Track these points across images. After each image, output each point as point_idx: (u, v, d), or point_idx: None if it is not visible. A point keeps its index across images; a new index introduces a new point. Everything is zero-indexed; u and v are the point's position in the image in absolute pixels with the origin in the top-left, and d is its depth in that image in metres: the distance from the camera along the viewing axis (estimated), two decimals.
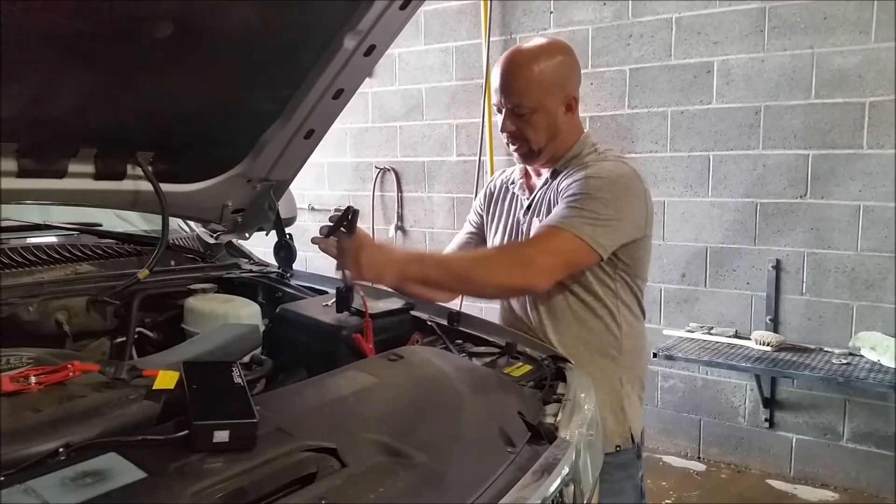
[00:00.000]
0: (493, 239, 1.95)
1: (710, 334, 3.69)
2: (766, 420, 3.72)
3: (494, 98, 1.78)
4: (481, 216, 2.04)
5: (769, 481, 3.69)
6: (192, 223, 2.33)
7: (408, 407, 1.15)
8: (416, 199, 4.81)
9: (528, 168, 1.90)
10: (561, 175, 1.77)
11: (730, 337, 3.64)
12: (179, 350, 1.35)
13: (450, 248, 2.09)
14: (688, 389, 3.93)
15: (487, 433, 1.19)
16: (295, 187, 5.67)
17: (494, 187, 2.00)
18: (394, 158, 4.87)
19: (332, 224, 1.64)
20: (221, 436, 0.89)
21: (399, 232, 4.87)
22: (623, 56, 3.88)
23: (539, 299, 1.76)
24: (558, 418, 1.38)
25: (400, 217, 4.87)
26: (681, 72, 3.74)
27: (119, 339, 1.78)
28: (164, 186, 1.88)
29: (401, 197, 4.86)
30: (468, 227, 2.08)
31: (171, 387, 1.02)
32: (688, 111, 3.75)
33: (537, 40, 1.81)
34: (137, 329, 1.79)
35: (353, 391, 1.15)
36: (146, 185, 1.84)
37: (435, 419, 1.14)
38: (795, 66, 3.45)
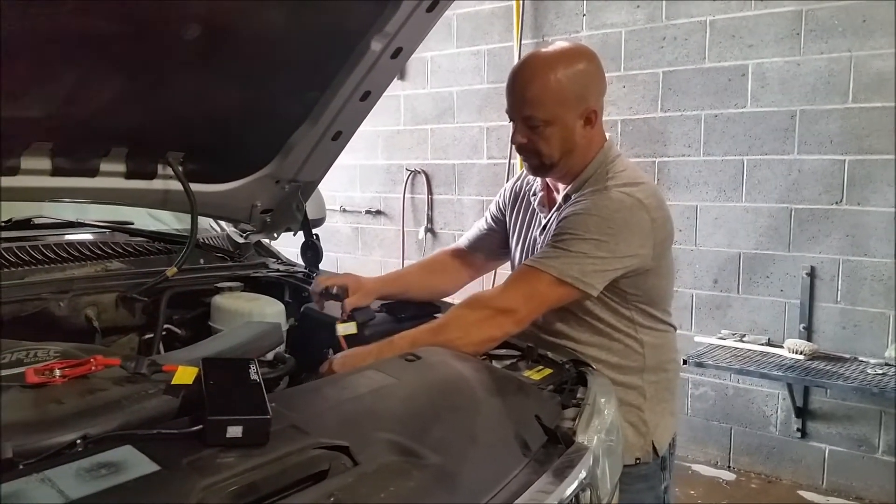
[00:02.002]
0: (514, 251, 1.90)
1: (743, 342, 3.64)
2: (798, 430, 3.65)
3: (507, 105, 1.69)
4: (503, 214, 1.98)
5: (801, 492, 3.61)
6: (222, 223, 2.37)
7: (423, 407, 1.15)
8: (446, 201, 4.82)
9: (549, 181, 1.82)
10: (571, 200, 1.68)
11: (762, 345, 3.58)
12: (201, 346, 1.37)
13: (464, 239, 2.06)
14: (718, 397, 3.88)
15: (503, 436, 1.19)
16: (326, 189, 5.72)
17: (520, 189, 1.94)
18: (424, 161, 4.89)
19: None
20: (235, 431, 0.90)
21: (429, 234, 4.88)
22: (656, 59, 3.84)
23: (553, 323, 1.71)
24: (576, 423, 1.37)
25: (430, 219, 4.88)
26: (715, 75, 3.70)
27: (147, 336, 1.82)
28: (194, 186, 1.91)
29: (431, 199, 4.87)
30: (486, 222, 2.02)
31: (190, 382, 1.03)
32: (722, 115, 3.70)
33: (558, 44, 1.71)
34: (165, 326, 1.82)
35: (370, 390, 1.16)
36: (176, 185, 1.87)
37: (450, 420, 1.15)
38: (832, 69, 3.38)
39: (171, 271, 1.78)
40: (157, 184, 1.88)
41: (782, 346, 3.50)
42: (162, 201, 1.92)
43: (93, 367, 1.07)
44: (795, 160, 3.53)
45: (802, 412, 3.63)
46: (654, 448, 1.74)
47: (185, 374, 1.05)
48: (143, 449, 0.88)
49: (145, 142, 1.80)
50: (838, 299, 3.50)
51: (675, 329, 1.83)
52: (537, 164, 1.70)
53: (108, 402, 1.01)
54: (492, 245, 2.03)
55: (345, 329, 1.63)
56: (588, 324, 1.68)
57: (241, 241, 2.24)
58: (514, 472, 1.12)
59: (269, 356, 1.65)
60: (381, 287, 1.83)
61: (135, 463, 0.85)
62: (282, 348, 1.68)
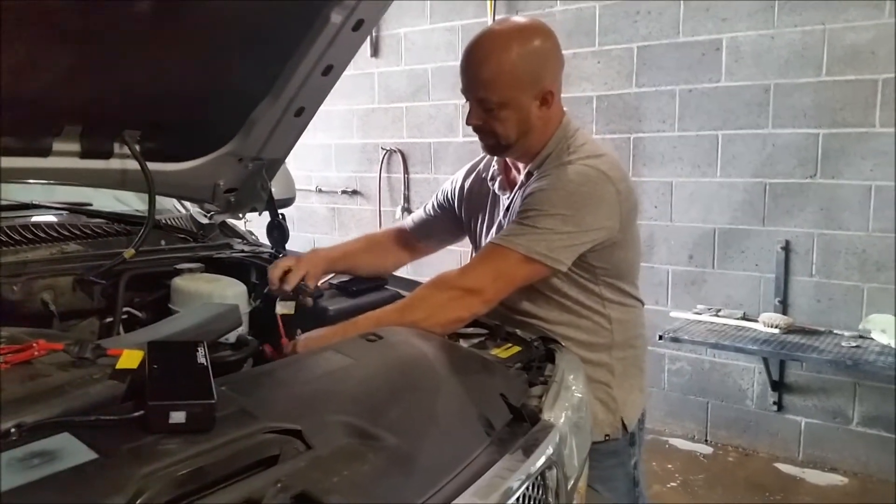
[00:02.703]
0: (478, 238, 1.86)
1: (718, 316, 3.64)
2: (774, 403, 3.67)
3: (461, 84, 1.62)
4: (451, 204, 1.94)
5: (777, 465, 3.64)
6: (187, 203, 2.31)
7: (381, 388, 1.12)
8: (422, 180, 4.77)
9: (508, 160, 1.78)
10: (533, 177, 1.64)
11: (738, 319, 3.58)
12: (152, 329, 1.33)
13: (409, 220, 2.03)
14: (695, 372, 3.89)
15: (465, 415, 1.16)
16: (302, 169, 5.68)
17: (475, 180, 1.88)
18: (400, 139, 4.83)
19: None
20: (178, 416, 0.87)
21: (406, 213, 4.83)
22: (630, 33, 3.80)
23: (520, 302, 1.67)
24: (543, 400, 1.35)
25: (406, 199, 4.84)
26: (689, 49, 3.67)
27: (108, 319, 1.77)
28: (153, 165, 1.86)
29: (407, 178, 4.82)
30: (433, 207, 1.99)
31: (135, 366, 0.99)
32: (696, 89, 3.67)
33: (513, 20, 1.65)
34: (125, 309, 1.77)
35: (326, 372, 1.12)
36: (134, 164, 1.82)
37: (410, 401, 1.12)
38: (806, 42, 3.36)
39: (128, 253, 1.72)
40: (114, 163, 1.82)
41: (757, 321, 3.50)
42: (120, 181, 1.86)
43: (35, 353, 1.03)
44: (770, 134, 3.52)
45: (778, 385, 3.65)
46: (624, 424, 1.72)
47: (130, 358, 1.01)
48: (82, 436, 0.84)
49: (100, 119, 1.74)
50: (813, 273, 3.50)
51: (643, 304, 1.81)
52: (493, 144, 1.67)
53: (50, 388, 0.97)
54: (435, 230, 2.01)
55: (283, 308, 1.62)
56: (556, 302, 1.66)
57: (204, 221, 2.20)
58: (477, 451, 1.10)
59: (232, 338, 1.62)
60: (330, 265, 1.82)
61: (72, 451, 0.81)
62: (244, 330, 1.65)
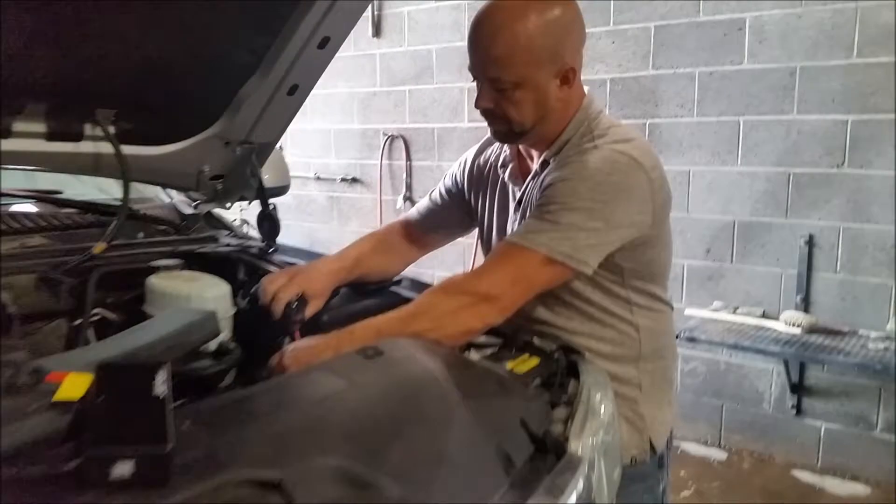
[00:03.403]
0: (487, 237, 1.67)
1: (736, 314, 3.45)
2: (792, 407, 3.49)
3: (469, 62, 1.42)
4: (460, 189, 1.73)
5: (795, 472, 3.47)
6: (173, 192, 2.12)
7: (381, 420, 0.93)
8: (425, 167, 4.58)
9: (521, 147, 1.58)
10: (550, 165, 1.45)
11: (757, 317, 3.40)
12: (107, 345, 1.14)
13: (414, 212, 1.82)
14: (710, 373, 3.70)
15: (481, 450, 0.98)
16: (300, 155, 5.49)
17: (485, 163, 1.68)
18: (402, 125, 4.63)
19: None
20: (123, 469, 0.68)
21: (407, 202, 4.64)
22: (647, 12, 3.60)
23: (534, 309, 1.48)
24: (569, 426, 1.17)
25: (409, 187, 4.64)
26: (710, 29, 3.46)
27: (77, 322, 1.59)
28: (130, 149, 1.67)
29: (409, 165, 4.62)
30: (439, 195, 1.78)
31: (78, 396, 0.81)
32: (717, 72, 3.47)
33: None
34: (96, 310, 1.59)
35: (315, 400, 0.94)
36: (107, 147, 1.62)
37: (415, 436, 0.93)
38: (836, 22, 3.16)
39: (98, 247, 1.54)
40: (84, 146, 1.62)
41: (778, 319, 3.32)
42: (92, 166, 1.66)
43: None
44: (794, 120, 3.32)
45: (798, 388, 3.47)
46: (652, 445, 1.54)
47: (73, 386, 0.82)
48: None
49: (68, 97, 1.55)
50: (838, 269, 3.32)
51: (672, 308, 1.62)
52: (506, 130, 1.46)
53: None
54: (443, 221, 1.80)
55: None
56: (576, 308, 1.47)
57: (189, 211, 2.00)
58: (496, 496, 0.91)
59: (212, 346, 1.44)
60: (338, 280, 1.57)
61: None
62: (226, 336, 1.46)
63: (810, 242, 3.35)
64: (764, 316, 3.41)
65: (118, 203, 1.85)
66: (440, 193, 1.79)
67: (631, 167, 1.36)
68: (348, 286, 1.63)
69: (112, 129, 1.63)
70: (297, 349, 1.29)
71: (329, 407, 0.92)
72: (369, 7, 4.52)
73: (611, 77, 3.69)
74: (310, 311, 1.46)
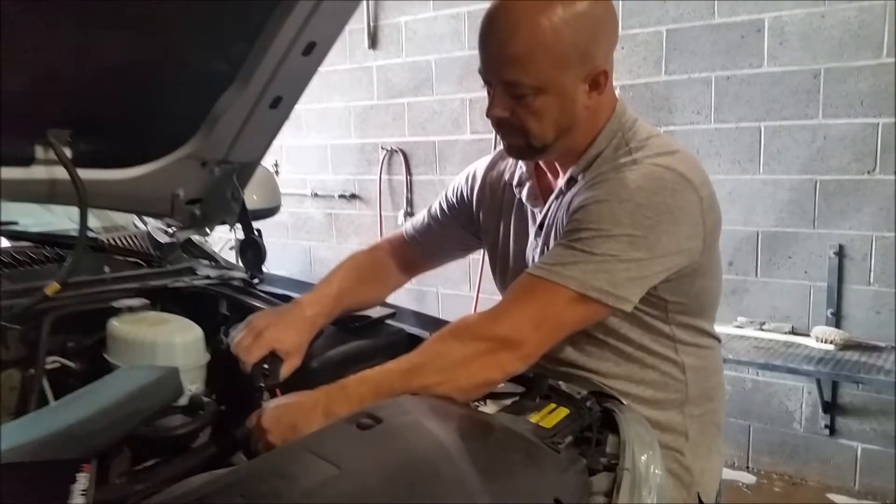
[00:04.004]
0: (503, 266, 1.45)
1: (763, 330, 3.24)
2: (825, 427, 3.26)
3: (481, 63, 1.22)
4: (469, 204, 1.51)
5: (830, 496, 3.24)
6: (150, 218, 1.92)
7: None
8: (426, 182, 4.37)
9: (540, 162, 1.36)
10: (578, 184, 1.25)
11: (785, 333, 3.19)
12: (35, 418, 0.92)
13: (409, 227, 1.59)
14: (735, 392, 3.48)
15: None
16: (296, 172, 5.29)
17: (498, 177, 1.46)
18: (402, 138, 4.43)
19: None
20: None
21: (408, 218, 4.43)
22: (659, 15, 3.40)
23: (560, 349, 1.26)
24: (614, 500, 0.95)
25: (409, 202, 4.44)
26: (726, 31, 3.26)
27: (30, 371, 1.38)
28: (91, 173, 1.47)
29: (410, 180, 4.42)
30: (441, 211, 1.55)
31: None
32: (735, 76, 3.26)
33: None
34: (53, 358, 1.39)
35: (297, 495, 0.72)
36: (63, 172, 1.42)
37: None
38: (863, 20, 2.95)
39: (51, 289, 1.33)
40: (37, 171, 1.42)
41: (809, 335, 3.11)
42: (47, 194, 1.45)
43: None
44: (820, 125, 3.11)
45: (830, 407, 3.25)
46: (700, 500, 1.32)
47: None
48: None
49: (14, 116, 1.34)
50: (871, 281, 3.10)
51: (720, 341, 1.40)
52: (522, 145, 1.24)
53: None
54: (444, 243, 1.58)
55: None
56: (611, 347, 1.25)
57: (165, 240, 1.80)
58: None
59: (183, 400, 1.22)
60: (315, 329, 1.33)
61: None
62: (199, 388, 1.25)
63: (840, 253, 3.13)
64: (793, 332, 3.20)
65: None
66: (441, 209, 1.56)
67: (678, 185, 1.15)
68: (334, 322, 1.41)
69: (68, 152, 1.42)
70: (278, 408, 1.08)
71: None
72: (365, 18, 4.34)
73: (621, 84, 3.49)
74: (286, 370, 1.24)
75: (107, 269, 1.60)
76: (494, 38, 1.17)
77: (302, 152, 4.86)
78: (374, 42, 4.41)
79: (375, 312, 1.50)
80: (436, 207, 1.58)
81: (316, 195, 4.85)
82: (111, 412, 0.89)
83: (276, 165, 4.97)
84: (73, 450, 0.84)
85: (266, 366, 1.22)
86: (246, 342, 1.23)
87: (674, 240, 1.14)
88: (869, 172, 3.03)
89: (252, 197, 2.03)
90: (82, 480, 0.61)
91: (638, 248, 1.11)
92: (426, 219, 1.58)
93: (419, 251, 1.59)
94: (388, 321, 1.48)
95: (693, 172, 1.17)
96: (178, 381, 1.06)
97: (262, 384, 1.20)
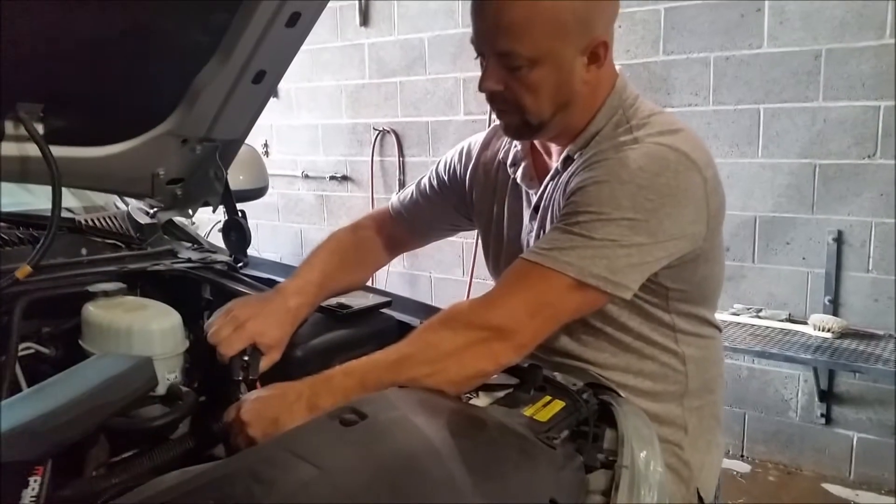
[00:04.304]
0: (496, 250, 1.38)
1: (759, 318, 3.19)
2: (821, 415, 3.23)
3: (473, 33, 1.15)
4: (460, 188, 1.44)
5: (825, 485, 3.21)
6: (131, 199, 1.85)
7: None
8: (419, 163, 4.29)
9: (536, 141, 1.30)
10: (575, 163, 1.19)
11: (782, 321, 3.13)
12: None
13: (396, 203, 1.52)
14: (731, 380, 3.43)
15: None
16: (287, 153, 5.19)
17: (492, 155, 1.39)
18: (394, 119, 4.35)
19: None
20: None
21: None
22: None
23: (555, 338, 1.21)
24: (613, 499, 0.90)
25: (402, 184, 4.36)
26: (725, 10, 3.18)
27: (2, 358, 1.32)
28: (63, 150, 1.40)
29: (402, 162, 4.34)
30: (431, 187, 1.48)
31: None
32: (734, 57, 3.19)
33: None
34: (26, 345, 1.32)
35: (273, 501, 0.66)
36: (35, 149, 1.35)
37: None
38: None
39: (21, 272, 1.26)
40: (7, 148, 1.35)
41: (806, 323, 3.06)
42: (18, 172, 1.38)
43: None
44: (820, 108, 3.04)
45: (826, 395, 3.21)
46: (700, 496, 1.27)
47: None
48: None
49: None
50: (870, 268, 3.05)
51: (720, 330, 1.35)
52: (518, 122, 1.18)
53: None
54: (433, 221, 1.52)
55: None
56: (608, 337, 1.20)
57: (145, 221, 1.73)
58: None
59: (161, 390, 1.17)
60: (298, 320, 1.27)
61: None
62: (177, 377, 1.19)
63: (839, 239, 3.08)
64: (790, 319, 3.15)
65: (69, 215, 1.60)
66: (431, 186, 1.48)
67: (682, 165, 1.09)
68: (322, 308, 1.35)
69: (41, 128, 1.35)
70: (259, 400, 1.02)
71: None
72: None
73: (618, 64, 3.40)
74: (264, 364, 1.18)
75: (84, 251, 1.53)
76: (488, 6, 1.10)
77: (292, 132, 4.77)
78: (365, 19, 4.32)
79: (370, 300, 1.43)
80: (425, 182, 1.50)
81: (307, 176, 4.77)
82: (77, 405, 0.82)
83: (266, 146, 4.89)
84: (35, 446, 0.79)
85: (246, 358, 1.15)
86: (225, 332, 1.16)
87: (676, 224, 1.08)
88: (869, 157, 2.97)
89: (238, 177, 1.96)
90: (34, 485, 0.55)
91: (639, 232, 1.05)
92: (414, 194, 1.50)
93: (405, 229, 1.51)
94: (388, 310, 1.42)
95: (697, 152, 1.11)
96: (152, 371, 1.00)
97: (240, 378, 1.14)
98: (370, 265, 1.49)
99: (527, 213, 1.29)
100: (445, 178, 1.46)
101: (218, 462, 0.78)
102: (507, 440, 0.90)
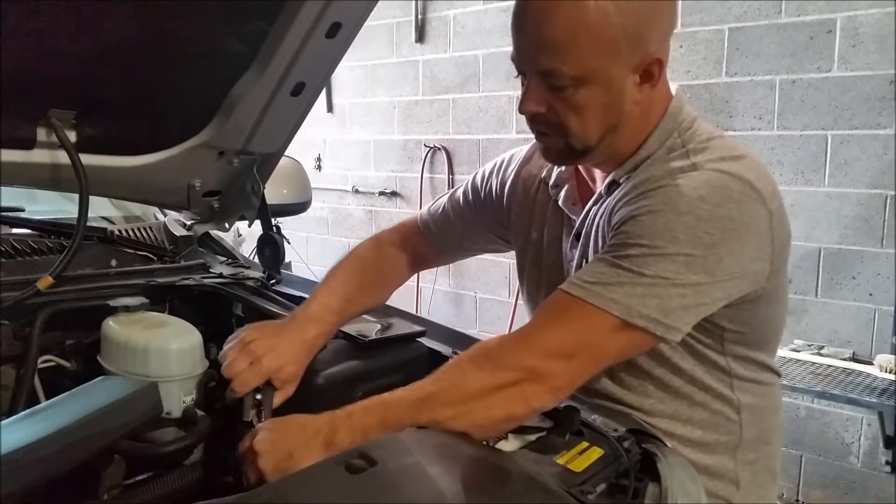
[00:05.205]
0: (535, 278, 1.27)
1: (821, 355, 3.01)
2: (886, 463, 3.01)
3: (513, 49, 1.05)
4: (499, 205, 1.33)
5: None
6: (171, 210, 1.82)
7: None
8: None
9: (581, 166, 1.20)
10: (622, 188, 1.09)
11: (845, 360, 2.96)
12: None
13: (427, 216, 1.41)
14: (788, 419, 3.25)
15: None
16: (338, 167, 5.20)
17: (531, 175, 1.28)
18: (445, 136, 4.30)
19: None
20: None
21: None
22: (720, 13, 3.20)
23: (596, 380, 1.10)
24: None
25: None
26: (793, 32, 3.04)
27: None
28: (96, 159, 1.38)
29: (452, 179, 4.28)
30: (463, 202, 1.37)
31: None
32: (801, 80, 3.04)
33: None
34: (47, 357, 1.29)
35: None
36: (67, 157, 1.32)
37: None
38: None
39: (43, 283, 1.23)
40: (38, 155, 1.33)
41: (871, 363, 2.88)
42: (51, 179, 1.37)
43: None
44: (893, 136, 2.87)
45: (892, 442, 3.00)
46: None
47: None
48: None
49: (14, 95, 1.25)
50: None
51: (780, 375, 1.23)
52: (562, 146, 1.07)
53: None
54: (466, 239, 1.41)
55: None
56: (656, 380, 1.09)
57: (181, 233, 1.70)
58: None
59: (176, 413, 1.11)
60: (315, 350, 1.19)
61: None
62: (193, 399, 1.14)
63: None
64: (854, 359, 2.97)
65: (93, 224, 1.57)
66: (466, 201, 1.37)
67: (745, 196, 0.98)
68: (345, 335, 1.28)
69: (73, 136, 1.33)
70: (274, 430, 0.96)
71: None
72: (413, 11, 4.23)
73: (678, 84, 3.29)
74: (279, 398, 1.12)
75: (114, 262, 1.50)
76: (529, 20, 1.00)
77: (344, 147, 4.77)
78: (420, 35, 4.29)
79: (402, 328, 1.36)
80: (459, 195, 1.39)
81: (357, 191, 4.76)
82: (70, 433, 0.77)
83: (319, 160, 4.90)
84: (24, 475, 0.73)
85: (259, 396, 1.09)
86: (239, 366, 1.10)
87: (737, 261, 0.98)
88: None
89: (281, 191, 1.92)
90: None
91: (695, 270, 0.94)
92: (446, 206, 1.40)
93: (432, 245, 1.41)
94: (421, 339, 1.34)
95: (762, 181, 1.01)
96: (157, 397, 0.94)
97: (250, 420, 1.07)
98: (391, 284, 1.40)
99: (567, 240, 1.19)
100: (482, 195, 1.36)
101: None
102: (532, 496, 0.80)
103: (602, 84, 1.00)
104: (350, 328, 1.29)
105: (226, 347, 1.15)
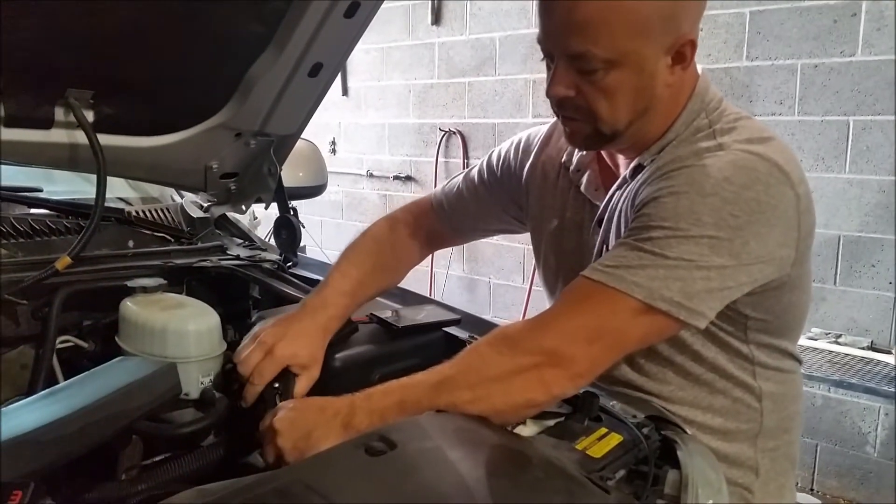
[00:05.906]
0: (555, 265, 1.25)
1: (838, 344, 2.98)
2: None
3: (540, 32, 1.02)
4: (516, 186, 1.30)
5: None
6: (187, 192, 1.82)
7: None
8: None
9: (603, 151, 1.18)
10: (646, 171, 1.07)
11: (863, 349, 2.93)
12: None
13: (441, 196, 1.39)
14: (804, 408, 3.21)
15: None
16: (353, 151, 5.19)
17: (551, 158, 1.25)
18: (461, 119, 4.28)
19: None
20: None
21: None
22: None
23: (616, 366, 1.09)
24: None
25: None
26: (816, 15, 2.99)
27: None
28: (113, 139, 1.37)
29: (467, 164, 4.26)
30: (479, 182, 1.35)
31: None
32: (823, 64, 3.00)
33: None
34: (64, 337, 1.29)
35: None
36: (84, 137, 1.32)
37: None
38: None
39: (61, 263, 1.23)
40: (56, 135, 1.32)
41: (890, 352, 2.85)
42: (67, 159, 1.36)
43: None
44: None
45: None
46: None
47: None
48: None
49: (31, 75, 1.25)
50: None
51: (801, 362, 1.22)
52: (589, 131, 1.04)
53: None
54: (480, 219, 1.39)
55: None
56: (677, 367, 1.08)
57: (198, 215, 1.69)
58: None
59: (194, 394, 1.11)
60: (331, 333, 1.17)
61: None
62: (212, 380, 1.14)
63: None
64: (872, 347, 2.94)
65: (110, 205, 1.57)
66: (482, 180, 1.35)
67: (773, 178, 0.96)
68: (378, 320, 1.27)
69: (91, 116, 1.32)
70: (295, 410, 0.96)
71: None
72: None
73: (699, 68, 3.26)
74: (304, 384, 1.11)
75: (131, 243, 1.50)
76: (559, 2, 0.98)
77: (359, 131, 4.75)
78: (437, 18, 4.25)
79: (433, 315, 1.34)
80: (474, 174, 1.37)
81: (371, 175, 4.75)
82: (88, 413, 0.77)
83: (334, 143, 4.89)
84: (44, 454, 0.73)
85: (277, 385, 1.09)
86: (254, 359, 1.09)
87: (763, 245, 0.96)
88: None
89: (297, 174, 1.92)
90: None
91: (720, 252, 0.92)
92: (460, 186, 1.37)
93: (446, 224, 1.39)
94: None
95: (790, 164, 0.99)
96: (175, 378, 0.94)
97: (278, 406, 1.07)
98: (405, 265, 1.38)
99: (589, 226, 1.18)
100: (497, 173, 1.34)
101: (234, 487, 0.70)
102: (552, 482, 0.79)
103: (634, 67, 0.98)
104: (383, 314, 1.28)
105: (240, 346, 1.14)
